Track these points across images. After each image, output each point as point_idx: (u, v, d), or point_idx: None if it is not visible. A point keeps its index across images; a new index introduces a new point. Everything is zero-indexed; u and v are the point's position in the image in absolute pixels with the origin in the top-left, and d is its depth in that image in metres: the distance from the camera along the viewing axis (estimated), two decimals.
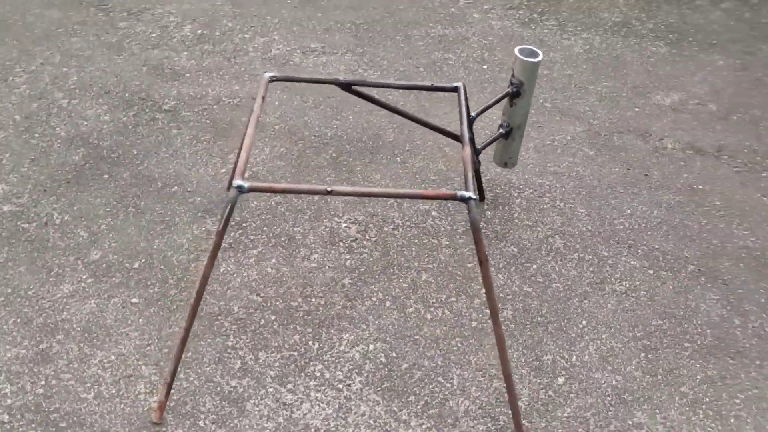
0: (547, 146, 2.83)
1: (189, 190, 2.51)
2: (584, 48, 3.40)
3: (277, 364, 1.99)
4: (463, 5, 3.64)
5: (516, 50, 2.30)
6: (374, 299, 2.19)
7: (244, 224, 2.39)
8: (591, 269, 2.33)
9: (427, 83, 2.11)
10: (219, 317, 2.10)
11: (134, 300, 2.13)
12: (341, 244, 2.36)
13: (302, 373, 1.97)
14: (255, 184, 1.70)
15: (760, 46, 3.48)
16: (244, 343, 2.04)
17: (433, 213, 2.49)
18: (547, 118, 2.96)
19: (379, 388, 1.95)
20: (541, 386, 1.98)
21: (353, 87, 2.11)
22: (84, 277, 2.18)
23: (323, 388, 1.95)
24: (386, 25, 3.46)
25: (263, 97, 1.99)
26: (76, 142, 2.66)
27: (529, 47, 2.31)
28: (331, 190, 1.70)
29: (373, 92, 2.87)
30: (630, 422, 1.92)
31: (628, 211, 2.56)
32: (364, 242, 2.37)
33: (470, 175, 1.76)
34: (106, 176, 2.53)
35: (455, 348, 2.07)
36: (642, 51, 3.40)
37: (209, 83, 3.01)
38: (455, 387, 1.97)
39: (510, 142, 2.46)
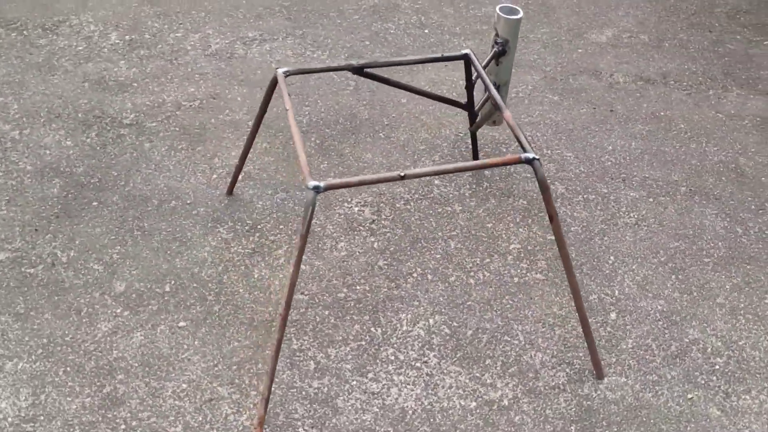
0: (514, 99, 2.92)
1: (188, 202, 2.42)
2: (510, 0, 3.50)
3: (350, 356, 1.99)
4: None
5: (497, 9, 2.35)
6: (415, 275, 2.21)
7: (258, 227, 2.34)
8: (599, 208, 2.45)
9: (437, 55, 2.14)
10: (274, 323, 2.06)
11: (181, 324, 2.05)
12: (361, 228, 2.36)
13: (377, 360, 1.99)
14: (331, 182, 1.68)
15: None
16: (309, 343, 2.02)
17: (436, 182, 2.53)
18: None
19: (454, 359, 2.00)
20: (598, 324, 2.09)
21: (365, 70, 2.10)
22: (118, 311, 2.08)
23: (403, 369, 1.97)
24: (316, 2, 3.42)
25: (288, 94, 1.95)
26: (47, 174, 2.49)
27: (507, 5, 2.36)
28: (404, 175, 1.71)
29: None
30: (687, 340, 2.06)
31: (609, 147, 2.69)
32: (383, 222, 2.38)
33: (522, 137, 1.82)
34: (95, 203, 2.40)
35: (508, 306, 2.14)
36: None
37: (161, 89, 2.88)
38: (523, 342, 2.04)
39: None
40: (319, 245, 2.29)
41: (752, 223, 2.41)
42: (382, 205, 2.44)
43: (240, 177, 2.50)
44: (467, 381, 1.94)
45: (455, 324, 2.08)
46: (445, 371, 1.96)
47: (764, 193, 2.51)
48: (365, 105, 2.84)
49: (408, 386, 1.93)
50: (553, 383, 1.95)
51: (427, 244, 2.31)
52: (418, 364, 1.98)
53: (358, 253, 2.27)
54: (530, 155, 1.75)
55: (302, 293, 2.15)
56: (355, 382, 1.93)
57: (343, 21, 3.31)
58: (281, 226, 2.35)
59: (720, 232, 2.38)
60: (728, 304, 2.16)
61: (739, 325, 2.10)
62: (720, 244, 2.34)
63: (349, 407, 1.88)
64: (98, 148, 2.60)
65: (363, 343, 2.03)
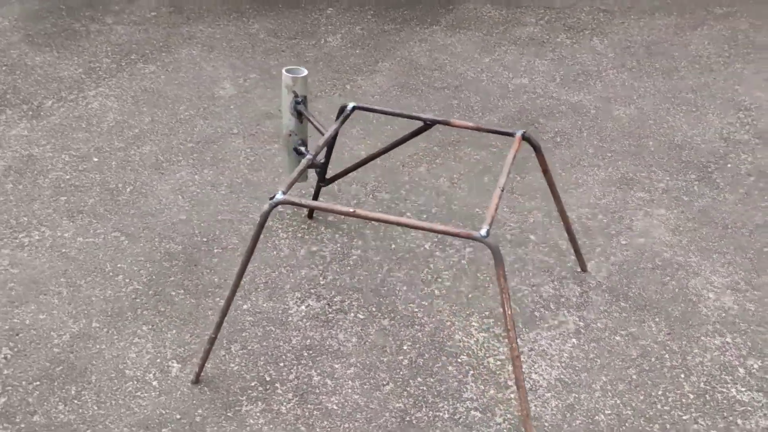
0: (282, 173, 3.01)
1: (178, 417, 2.01)
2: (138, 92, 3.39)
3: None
4: None
5: (285, 73, 2.47)
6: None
7: (268, 379, 2.12)
8: (476, 194, 2.87)
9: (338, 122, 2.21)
10: None
11: None
12: (338, 317, 2.33)
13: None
14: (489, 230, 1.80)
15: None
16: None
17: (319, 250, 2.59)
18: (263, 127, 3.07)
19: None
20: (535, 241, 2.61)
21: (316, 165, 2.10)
22: None
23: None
24: None
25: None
26: None
27: (290, 67, 2.52)
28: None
29: None
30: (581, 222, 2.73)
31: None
32: (346, 304, 2.39)
33: (490, 128, 2.18)
34: None
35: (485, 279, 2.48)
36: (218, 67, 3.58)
37: None
38: (540, 295, 2.44)
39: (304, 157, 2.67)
40: (342, 349, 2.21)
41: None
42: (318, 291, 2.41)
43: (176, 363, 2.15)
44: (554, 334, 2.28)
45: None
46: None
47: None
48: (173, 240, 2.60)
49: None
50: (580, 292, 2.42)
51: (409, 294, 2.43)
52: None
53: (392, 347, 2.28)
54: (519, 131, 2.14)
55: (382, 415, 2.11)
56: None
57: (3, 197, 2.79)
58: (270, 365, 2.16)
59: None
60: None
61: (590, 192, 2.86)
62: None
63: None
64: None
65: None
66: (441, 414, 2.03)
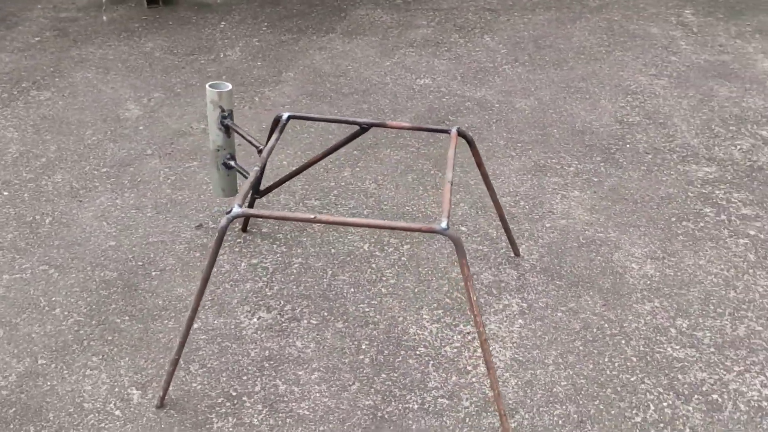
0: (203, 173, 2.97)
1: None
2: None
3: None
4: None
5: (210, 88, 2.47)
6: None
7: (231, 394, 2.12)
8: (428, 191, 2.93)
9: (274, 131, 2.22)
10: None
11: None
12: (294, 326, 2.35)
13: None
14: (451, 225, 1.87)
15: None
16: None
17: (254, 261, 2.59)
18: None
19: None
20: (475, 228, 2.72)
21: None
22: None
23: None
24: None
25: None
26: None
27: (213, 83, 2.52)
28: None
29: None
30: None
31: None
32: (301, 312, 2.40)
33: (431, 127, 2.26)
34: None
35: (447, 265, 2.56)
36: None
37: None
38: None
39: (235, 171, 2.67)
40: (301, 361, 2.23)
41: None
42: (267, 302, 2.42)
43: (136, 389, 2.11)
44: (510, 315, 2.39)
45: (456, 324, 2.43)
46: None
47: None
48: (106, 267, 2.53)
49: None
50: (517, 275, 2.54)
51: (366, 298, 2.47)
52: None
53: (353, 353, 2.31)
54: (454, 128, 2.23)
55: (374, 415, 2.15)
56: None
57: None
58: (233, 380, 2.16)
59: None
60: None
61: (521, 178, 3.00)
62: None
63: None
64: None
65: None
66: (411, 405, 2.09)
